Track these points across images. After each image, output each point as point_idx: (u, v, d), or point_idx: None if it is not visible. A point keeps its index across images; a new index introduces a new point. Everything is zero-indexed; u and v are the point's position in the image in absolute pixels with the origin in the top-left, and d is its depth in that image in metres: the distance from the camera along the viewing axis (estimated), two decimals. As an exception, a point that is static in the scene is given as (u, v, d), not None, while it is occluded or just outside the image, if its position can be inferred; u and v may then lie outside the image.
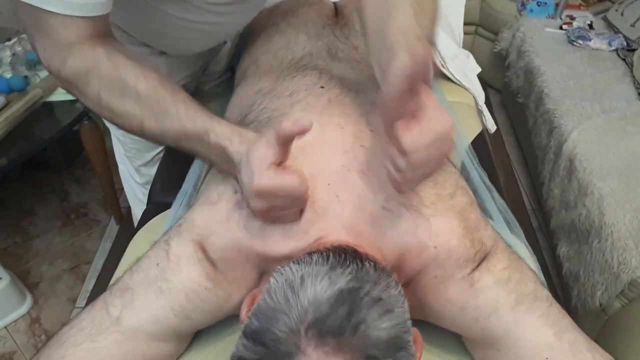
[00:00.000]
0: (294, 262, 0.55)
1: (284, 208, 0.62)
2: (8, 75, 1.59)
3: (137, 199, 1.38)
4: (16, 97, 1.51)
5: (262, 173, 0.58)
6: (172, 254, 0.66)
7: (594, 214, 1.40)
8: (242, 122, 0.84)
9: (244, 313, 0.57)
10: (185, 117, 0.65)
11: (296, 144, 0.69)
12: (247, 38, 1.14)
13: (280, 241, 0.64)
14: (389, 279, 0.55)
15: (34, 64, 1.62)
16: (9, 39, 1.74)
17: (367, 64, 0.94)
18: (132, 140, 1.18)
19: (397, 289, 0.55)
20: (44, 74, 1.61)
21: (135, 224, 1.49)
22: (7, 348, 1.52)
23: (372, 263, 0.56)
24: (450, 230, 0.65)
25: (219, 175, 0.73)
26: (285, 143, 0.58)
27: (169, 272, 0.65)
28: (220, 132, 0.64)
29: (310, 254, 0.56)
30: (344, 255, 0.56)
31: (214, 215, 0.68)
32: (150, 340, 0.65)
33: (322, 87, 0.81)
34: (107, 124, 1.07)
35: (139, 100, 0.65)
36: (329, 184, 0.66)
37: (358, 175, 0.67)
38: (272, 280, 0.54)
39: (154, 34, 0.95)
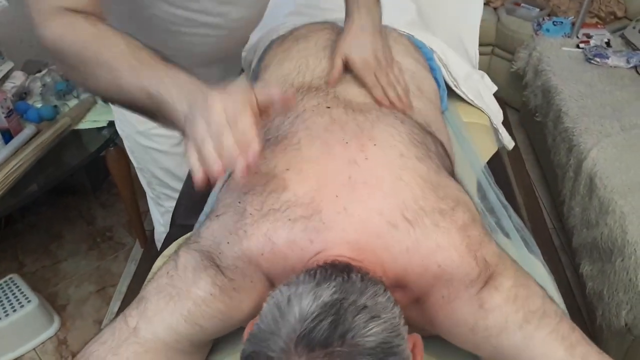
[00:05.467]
0: (283, 285, 0.57)
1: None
2: (39, 105, 1.66)
3: (154, 216, 1.43)
4: (46, 126, 1.57)
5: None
6: (180, 262, 0.69)
7: (616, 232, 1.39)
8: None
9: (245, 339, 0.58)
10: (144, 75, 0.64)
11: (302, 157, 0.72)
12: (260, 65, 1.18)
13: (287, 249, 0.66)
14: (376, 287, 0.56)
15: (63, 94, 1.69)
16: (39, 71, 1.82)
17: None
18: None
19: (386, 296, 0.56)
20: (72, 103, 1.68)
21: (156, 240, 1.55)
22: (36, 370, 1.56)
23: (359, 274, 0.57)
24: (452, 247, 0.66)
25: (228, 190, 0.75)
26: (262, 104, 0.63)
27: (177, 279, 0.68)
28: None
29: (298, 274, 0.58)
30: (330, 270, 0.57)
31: (220, 226, 0.70)
32: (168, 351, 0.67)
33: (327, 107, 0.84)
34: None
35: (115, 58, 0.65)
36: (336, 196, 0.68)
37: (363, 187, 0.69)
38: (264, 305, 0.56)
39: (152, 32, 0.91)
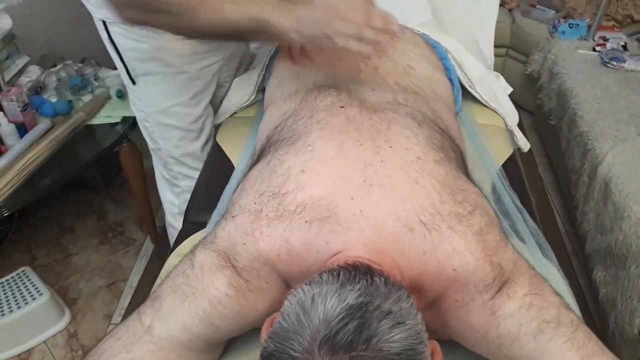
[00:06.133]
0: (306, 284, 0.57)
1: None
2: (53, 99, 1.67)
3: (166, 199, 1.46)
4: (61, 121, 1.58)
5: None
6: (196, 262, 0.69)
7: (631, 238, 1.37)
8: (268, 143, 0.88)
9: (263, 336, 0.58)
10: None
11: (316, 159, 0.72)
12: (276, 62, 1.18)
13: (303, 250, 0.66)
14: (400, 292, 0.56)
15: (78, 89, 1.70)
16: (55, 65, 1.84)
17: (388, 85, 0.96)
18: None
19: (409, 302, 0.56)
20: (87, 98, 1.69)
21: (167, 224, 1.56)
22: (46, 362, 1.57)
23: (382, 278, 0.57)
24: (468, 251, 0.65)
25: (243, 191, 0.75)
26: None
27: (193, 279, 0.68)
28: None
29: (321, 274, 0.58)
30: (354, 272, 0.57)
31: (236, 227, 0.70)
32: (182, 350, 0.67)
33: (341, 106, 0.84)
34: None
35: None
36: (352, 198, 0.68)
37: (380, 190, 0.68)
38: (286, 303, 0.56)
39: None
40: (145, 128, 1.28)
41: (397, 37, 0.80)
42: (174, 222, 1.49)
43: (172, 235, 1.54)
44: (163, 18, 0.80)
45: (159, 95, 1.18)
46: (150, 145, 1.33)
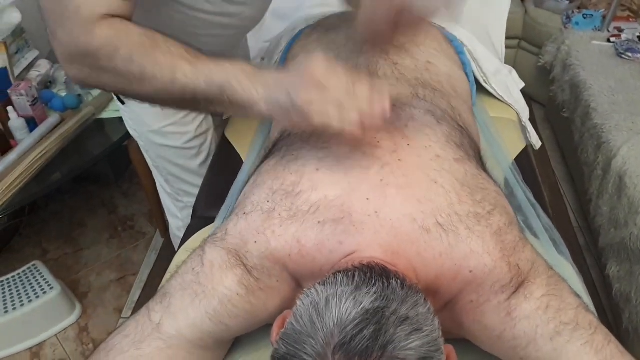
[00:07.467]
0: (319, 284, 0.56)
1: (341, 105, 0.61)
2: (63, 94, 1.67)
3: (169, 212, 1.44)
4: (70, 115, 1.59)
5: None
6: (206, 259, 0.68)
7: (646, 233, 1.35)
8: (281, 137, 0.86)
9: (274, 336, 0.57)
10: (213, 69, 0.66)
11: (331, 156, 0.70)
12: (287, 55, 1.17)
13: (315, 251, 0.65)
14: (417, 296, 0.55)
15: (87, 83, 1.70)
16: (64, 60, 1.84)
17: (406, 80, 0.94)
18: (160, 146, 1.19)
19: (426, 307, 0.54)
20: (96, 92, 1.69)
21: (172, 234, 1.55)
22: (57, 356, 1.58)
23: (399, 281, 0.55)
24: (486, 252, 0.64)
25: (255, 187, 0.74)
26: None
27: (203, 277, 0.67)
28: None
29: (335, 274, 0.57)
30: (369, 273, 0.55)
31: (248, 225, 0.69)
32: (191, 347, 0.66)
33: None
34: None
35: (170, 53, 0.66)
36: (367, 199, 0.66)
37: (396, 191, 0.67)
38: (298, 302, 0.55)
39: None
40: (141, 147, 1.24)
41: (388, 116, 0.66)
42: (179, 233, 1.45)
43: (178, 245, 1.52)
44: (109, 78, 0.67)
45: (150, 115, 1.12)
46: (150, 162, 1.29)
